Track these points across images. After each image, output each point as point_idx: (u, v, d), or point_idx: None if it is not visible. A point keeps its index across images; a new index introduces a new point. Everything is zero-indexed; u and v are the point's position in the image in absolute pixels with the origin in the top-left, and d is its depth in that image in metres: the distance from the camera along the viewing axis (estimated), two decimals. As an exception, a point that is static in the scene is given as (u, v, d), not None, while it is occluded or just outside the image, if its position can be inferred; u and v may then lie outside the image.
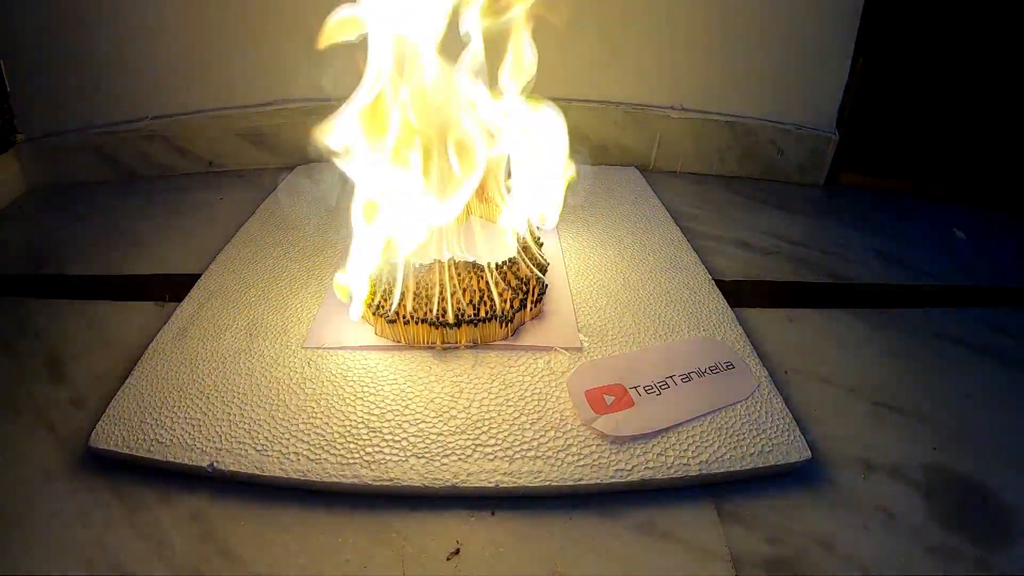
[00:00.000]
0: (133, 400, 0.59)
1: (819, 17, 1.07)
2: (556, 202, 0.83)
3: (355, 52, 0.63)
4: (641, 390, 0.60)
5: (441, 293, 0.67)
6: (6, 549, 0.48)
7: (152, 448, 0.54)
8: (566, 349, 0.66)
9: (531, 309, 0.69)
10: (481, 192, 0.92)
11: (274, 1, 1.06)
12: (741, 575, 0.47)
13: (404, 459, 0.53)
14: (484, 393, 0.60)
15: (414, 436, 0.56)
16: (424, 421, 0.57)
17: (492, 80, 0.70)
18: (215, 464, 0.53)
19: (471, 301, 0.66)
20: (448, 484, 0.52)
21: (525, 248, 0.76)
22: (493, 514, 0.51)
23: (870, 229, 1.01)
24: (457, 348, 0.66)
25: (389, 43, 0.61)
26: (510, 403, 0.59)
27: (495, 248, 0.77)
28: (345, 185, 0.67)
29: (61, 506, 0.52)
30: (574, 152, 0.79)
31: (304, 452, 0.54)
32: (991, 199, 1.10)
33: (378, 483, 0.52)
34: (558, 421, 0.57)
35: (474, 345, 0.66)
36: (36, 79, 1.06)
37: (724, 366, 0.64)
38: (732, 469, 0.53)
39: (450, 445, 0.55)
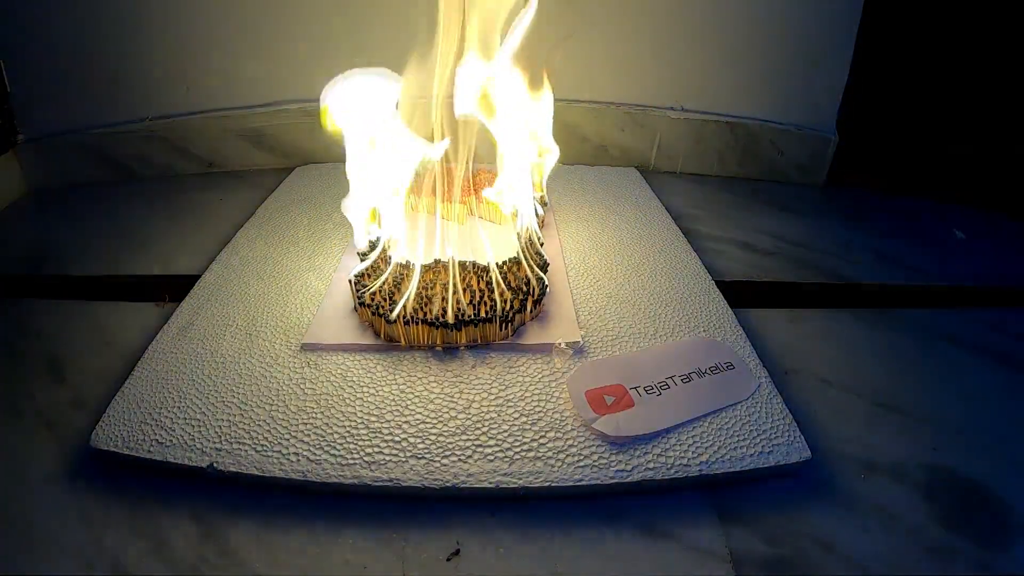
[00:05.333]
0: (133, 400, 0.59)
1: (819, 17, 1.07)
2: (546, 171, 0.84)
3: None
4: (641, 390, 0.60)
5: (442, 293, 0.67)
6: (6, 549, 0.48)
7: (152, 448, 0.54)
8: (567, 344, 0.66)
9: (531, 310, 0.69)
10: (480, 191, 0.92)
11: (274, 2, 1.06)
12: (741, 575, 0.47)
13: (404, 460, 0.53)
14: (484, 394, 0.60)
15: (414, 437, 0.56)
16: (424, 422, 0.57)
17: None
18: (215, 464, 0.53)
19: (471, 301, 0.66)
20: (448, 485, 0.52)
21: (525, 247, 0.75)
22: (493, 515, 0.51)
23: (870, 229, 1.01)
24: (457, 348, 0.66)
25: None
26: (510, 403, 0.59)
27: (496, 248, 0.77)
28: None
29: (61, 506, 0.52)
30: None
31: (304, 452, 0.54)
32: (991, 199, 1.10)
33: (378, 483, 0.52)
34: (558, 422, 0.57)
35: (474, 345, 0.66)
36: (36, 79, 1.06)
37: (724, 366, 0.64)
38: (732, 469, 0.53)
39: (450, 446, 0.55)
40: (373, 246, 0.76)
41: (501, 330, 0.66)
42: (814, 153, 1.16)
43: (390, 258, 0.72)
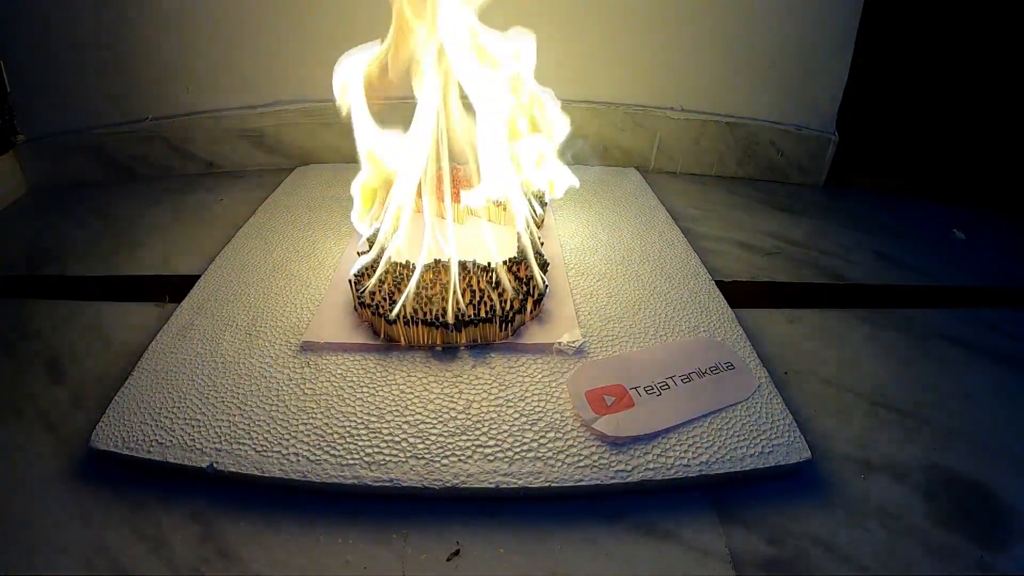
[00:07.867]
0: (133, 400, 0.59)
1: (819, 17, 1.07)
2: (558, 171, 0.84)
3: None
4: (641, 390, 0.60)
5: (442, 294, 0.67)
6: (6, 549, 0.48)
7: (152, 449, 0.54)
8: (569, 343, 0.66)
9: (531, 310, 0.69)
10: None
11: (274, 2, 1.06)
12: (741, 575, 0.47)
13: (404, 460, 0.53)
14: (484, 394, 0.60)
15: (414, 437, 0.56)
16: (424, 422, 0.57)
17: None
18: (215, 465, 0.53)
19: (471, 301, 0.66)
20: (448, 485, 0.52)
21: (526, 247, 0.75)
22: (493, 515, 0.51)
23: (870, 229, 1.01)
24: (457, 348, 0.66)
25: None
26: (510, 404, 0.59)
27: (495, 248, 0.77)
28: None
29: (61, 506, 0.52)
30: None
31: (304, 453, 0.54)
32: (991, 199, 1.10)
33: (378, 484, 0.52)
34: (558, 422, 0.57)
35: (474, 345, 0.66)
36: (36, 79, 1.06)
37: (724, 366, 0.64)
38: (732, 470, 0.53)
39: (450, 446, 0.55)
40: (371, 242, 0.76)
41: (501, 330, 0.66)
42: (814, 153, 1.16)
43: (389, 257, 0.72)
